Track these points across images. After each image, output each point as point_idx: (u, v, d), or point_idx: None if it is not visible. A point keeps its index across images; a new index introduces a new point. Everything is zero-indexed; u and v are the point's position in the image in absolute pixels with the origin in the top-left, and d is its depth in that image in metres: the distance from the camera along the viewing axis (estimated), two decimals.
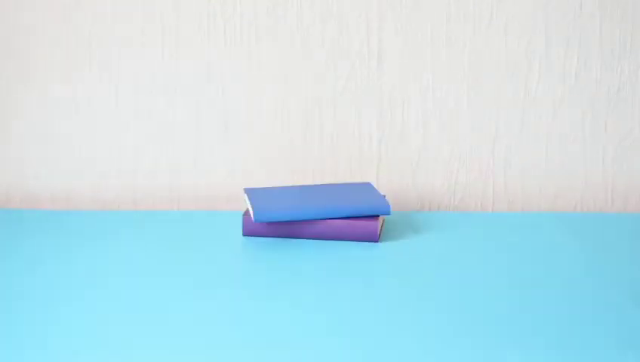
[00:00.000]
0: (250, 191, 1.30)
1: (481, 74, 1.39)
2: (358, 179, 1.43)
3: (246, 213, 1.25)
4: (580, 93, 1.40)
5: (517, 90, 1.40)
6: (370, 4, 1.38)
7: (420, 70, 1.39)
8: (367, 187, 1.32)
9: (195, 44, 1.40)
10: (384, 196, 1.32)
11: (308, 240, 1.22)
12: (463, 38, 1.38)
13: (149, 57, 1.41)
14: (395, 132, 1.41)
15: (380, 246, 1.19)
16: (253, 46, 1.40)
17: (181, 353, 0.84)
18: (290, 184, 1.44)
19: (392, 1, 1.37)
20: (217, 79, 1.41)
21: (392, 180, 1.43)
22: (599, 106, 1.40)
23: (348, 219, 1.22)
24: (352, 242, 1.21)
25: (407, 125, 1.41)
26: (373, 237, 1.21)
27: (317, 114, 1.41)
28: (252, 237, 1.23)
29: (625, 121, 1.40)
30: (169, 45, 1.40)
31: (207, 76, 1.41)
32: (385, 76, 1.40)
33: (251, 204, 1.24)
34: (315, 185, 1.33)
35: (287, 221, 1.22)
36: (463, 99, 1.40)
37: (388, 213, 1.22)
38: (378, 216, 1.23)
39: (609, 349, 0.85)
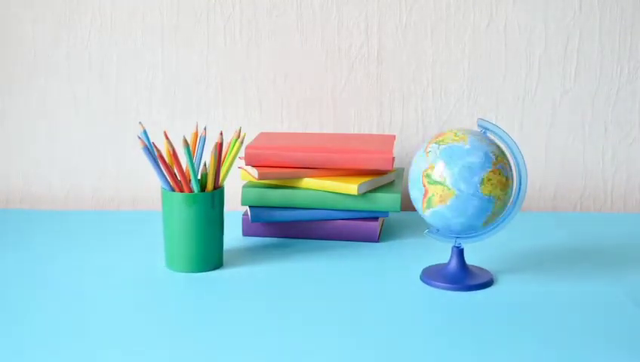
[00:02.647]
0: None
1: (481, 74, 1.39)
2: None
3: (245, 213, 1.25)
4: (580, 93, 1.40)
5: (517, 90, 1.40)
6: (370, 4, 1.38)
7: (420, 70, 1.39)
8: None
9: (195, 44, 1.40)
10: None
11: (308, 241, 1.22)
12: (463, 38, 1.38)
13: (149, 57, 1.41)
14: (395, 132, 1.41)
15: (380, 246, 1.19)
16: (253, 46, 1.40)
17: (180, 353, 0.84)
18: None
19: (392, 1, 1.37)
20: (217, 79, 1.41)
21: None
22: (599, 106, 1.40)
23: (347, 220, 1.22)
24: (352, 242, 1.21)
25: (407, 125, 1.41)
26: (373, 237, 1.21)
27: (317, 114, 1.41)
28: (252, 237, 1.23)
29: (625, 121, 1.40)
30: (169, 45, 1.40)
31: (207, 76, 1.41)
32: (385, 76, 1.40)
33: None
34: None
35: (285, 221, 1.22)
36: (463, 99, 1.40)
37: (387, 214, 1.22)
38: (378, 216, 1.23)
39: (609, 349, 0.85)
